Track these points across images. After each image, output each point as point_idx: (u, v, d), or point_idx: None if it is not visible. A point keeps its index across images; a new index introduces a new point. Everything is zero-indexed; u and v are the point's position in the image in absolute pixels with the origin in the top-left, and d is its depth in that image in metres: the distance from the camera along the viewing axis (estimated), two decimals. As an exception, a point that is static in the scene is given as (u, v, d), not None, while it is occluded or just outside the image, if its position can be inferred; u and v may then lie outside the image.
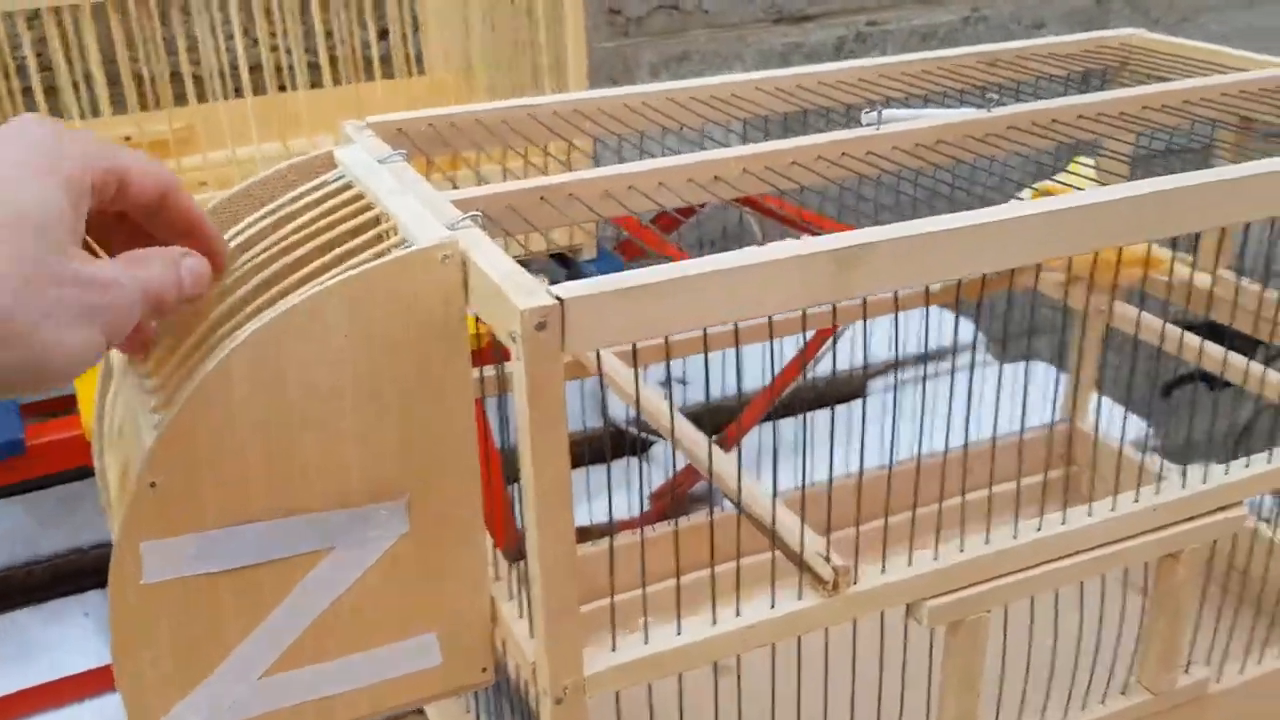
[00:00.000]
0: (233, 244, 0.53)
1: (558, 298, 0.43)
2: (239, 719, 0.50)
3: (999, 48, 0.85)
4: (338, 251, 0.51)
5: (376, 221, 0.53)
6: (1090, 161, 0.73)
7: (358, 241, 0.51)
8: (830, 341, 1.07)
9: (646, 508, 1.03)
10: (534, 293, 0.44)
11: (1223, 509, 0.65)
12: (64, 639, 1.09)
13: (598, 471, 0.98)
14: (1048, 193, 0.74)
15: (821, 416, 1.21)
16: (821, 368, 1.23)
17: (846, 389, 1.32)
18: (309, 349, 0.46)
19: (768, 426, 1.15)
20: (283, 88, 1.16)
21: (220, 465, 0.46)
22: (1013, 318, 0.88)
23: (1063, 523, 0.61)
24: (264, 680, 0.50)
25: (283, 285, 0.50)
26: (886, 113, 0.65)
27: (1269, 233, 0.70)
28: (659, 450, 1.17)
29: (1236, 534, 0.68)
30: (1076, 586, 0.63)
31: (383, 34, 1.24)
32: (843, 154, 0.64)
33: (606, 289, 0.44)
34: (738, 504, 0.56)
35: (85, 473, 0.83)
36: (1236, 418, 1.67)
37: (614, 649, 0.51)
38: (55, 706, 1.00)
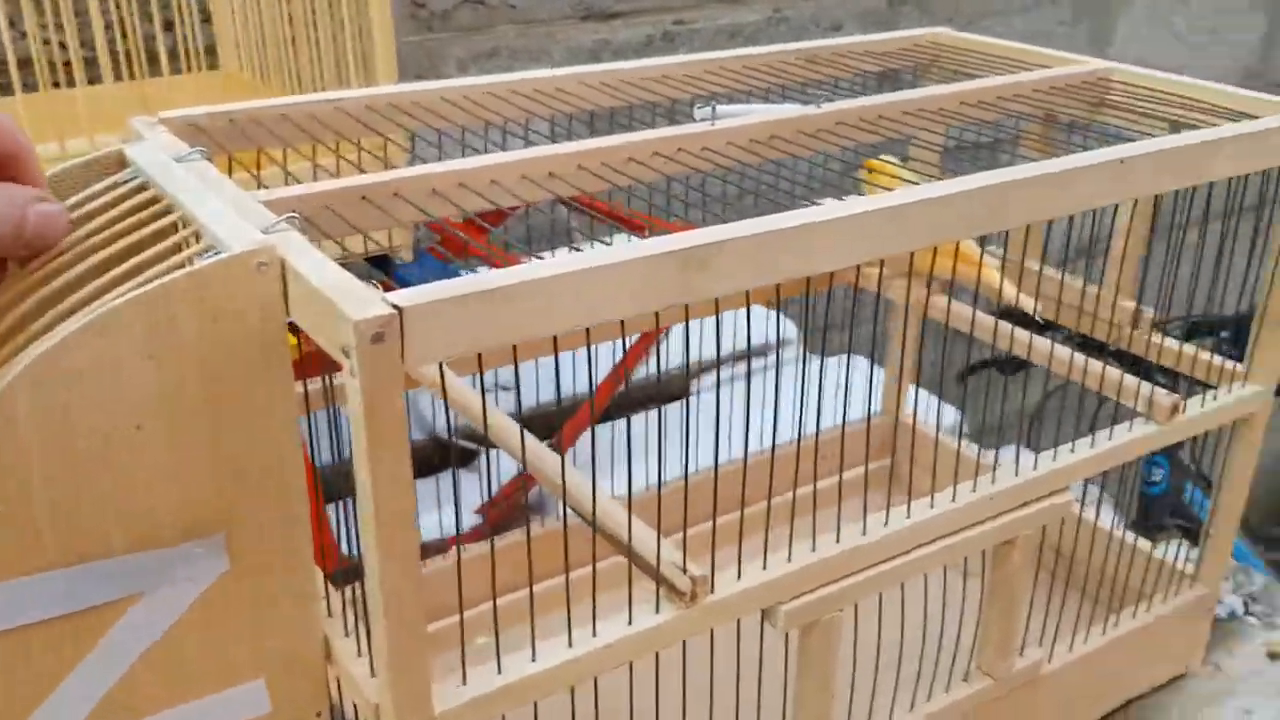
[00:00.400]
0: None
1: (395, 306, 0.40)
2: (37, 795, 0.44)
3: (817, 45, 0.86)
4: (134, 261, 0.45)
5: (176, 227, 0.47)
6: (893, 159, 0.74)
7: (156, 250, 0.46)
8: (658, 341, 1.06)
9: (477, 521, 0.99)
10: (368, 302, 0.40)
11: (1052, 494, 0.66)
12: None
13: (425, 486, 0.94)
14: (876, 169, 0.74)
15: (649, 418, 1.20)
16: (646, 369, 1.22)
17: (670, 390, 1.31)
18: (104, 374, 0.41)
19: (597, 429, 1.13)
20: (57, 84, 1.06)
21: (3, 509, 0.40)
22: (831, 313, 0.88)
23: (908, 516, 0.61)
24: (65, 749, 0.44)
25: (70, 301, 0.44)
26: (721, 109, 0.64)
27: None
28: (482, 460, 1.13)
29: (1064, 518, 0.70)
30: (919, 578, 0.63)
31: (168, 26, 1.15)
32: (679, 149, 0.62)
33: (448, 295, 0.41)
34: (593, 521, 0.54)
35: None
36: (1029, 400, 1.77)
37: (464, 683, 0.47)
38: None
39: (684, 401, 1.26)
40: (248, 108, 0.64)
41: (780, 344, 1.33)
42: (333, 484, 0.53)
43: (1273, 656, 0.87)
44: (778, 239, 0.48)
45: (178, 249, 0.46)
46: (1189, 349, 0.77)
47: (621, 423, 1.20)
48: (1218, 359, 0.75)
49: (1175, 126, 0.75)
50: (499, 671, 0.48)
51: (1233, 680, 0.84)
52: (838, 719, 0.61)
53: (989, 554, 0.67)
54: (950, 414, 1.26)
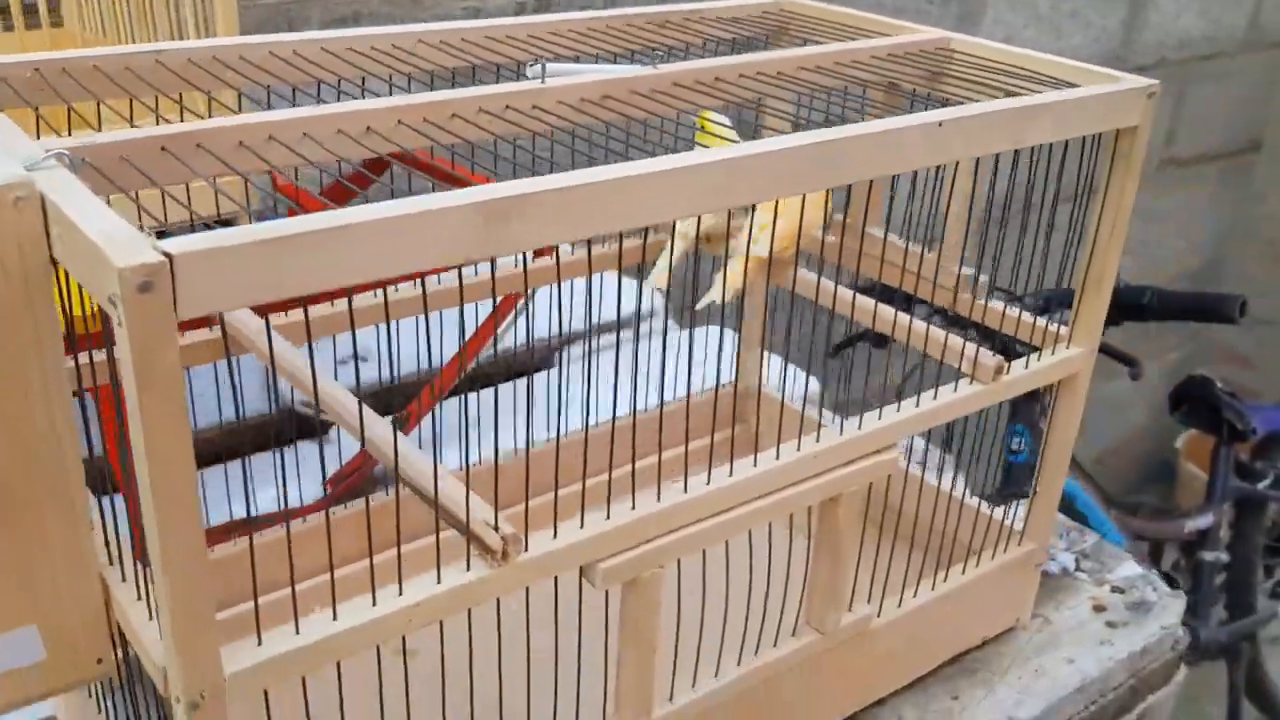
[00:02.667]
0: None
1: (165, 253, 0.38)
2: None
3: (669, 9, 0.86)
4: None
5: None
6: (724, 120, 0.75)
7: None
8: (517, 309, 1.05)
9: (324, 493, 0.97)
10: (136, 247, 0.38)
11: (877, 452, 0.68)
12: None
13: (270, 458, 0.91)
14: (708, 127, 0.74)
15: (510, 389, 1.20)
16: (512, 339, 1.21)
17: (534, 360, 1.31)
18: None
19: (458, 401, 1.12)
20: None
21: None
22: (699, 285, 0.89)
23: (730, 474, 0.61)
24: None
25: None
26: (551, 67, 0.63)
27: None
28: (335, 431, 1.11)
29: (891, 475, 0.72)
30: (746, 536, 0.64)
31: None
32: (506, 107, 0.61)
33: (228, 243, 0.39)
34: (417, 486, 0.53)
35: None
36: (897, 373, 1.80)
37: (260, 643, 0.46)
38: None
39: (549, 372, 1.26)
40: (56, 58, 0.62)
41: (642, 316, 1.33)
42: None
43: (1097, 609, 0.90)
44: (585, 193, 0.47)
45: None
46: (1013, 312, 0.79)
47: (487, 393, 1.19)
48: (1041, 321, 0.78)
49: (1008, 96, 0.77)
50: (296, 631, 0.47)
51: (1059, 632, 0.87)
52: (661, 674, 0.62)
53: (815, 510, 0.68)
54: (811, 384, 1.28)
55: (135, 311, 0.38)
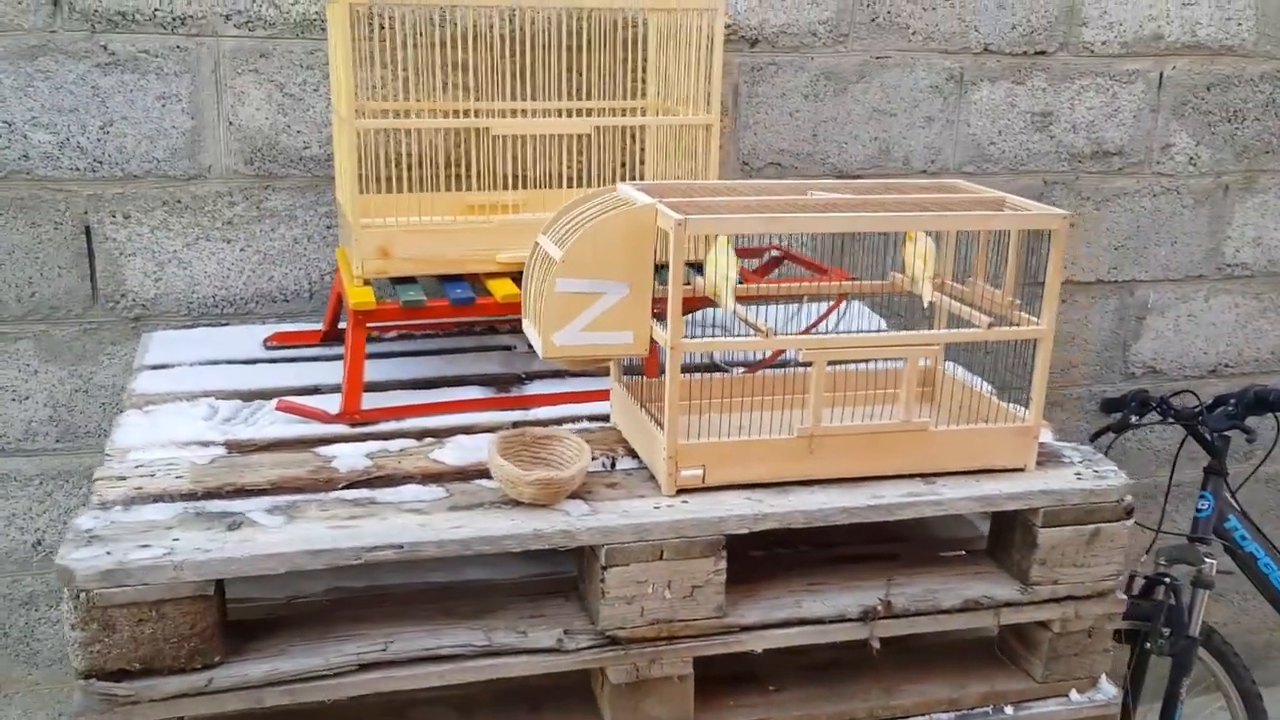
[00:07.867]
0: (586, 212, 1.69)
1: (684, 217, 1.56)
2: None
3: (880, 181, 1.96)
4: (617, 205, 1.65)
5: (628, 203, 1.67)
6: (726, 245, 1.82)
7: (617, 204, 1.66)
8: (841, 311, 2.15)
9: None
10: (676, 217, 1.56)
11: (926, 345, 1.71)
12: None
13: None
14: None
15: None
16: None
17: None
18: (614, 229, 1.61)
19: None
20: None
21: (583, 261, 1.60)
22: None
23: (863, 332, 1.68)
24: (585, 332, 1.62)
25: (612, 209, 1.64)
26: (815, 193, 1.77)
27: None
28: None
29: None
30: (873, 372, 1.70)
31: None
32: (802, 202, 1.75)
33: (699, 214, 1.56)
34: (757, 325, 1.68)
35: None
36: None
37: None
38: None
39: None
40: (655, 184, 1.85)
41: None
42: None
43: (1077, 475, 1.80)
44: (834, 220, 1.60)
45: (622, 206, 1.66)
46: (1025, 315, 1.77)
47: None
48: (1029, 315, 1.76)
49: (987, 212, 1.78)
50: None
51: (1048, 475, 1.79)
52: (825, 414, 1.68)
53: (909, 360, 1.71)
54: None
55: (677, 231, 1.55)
